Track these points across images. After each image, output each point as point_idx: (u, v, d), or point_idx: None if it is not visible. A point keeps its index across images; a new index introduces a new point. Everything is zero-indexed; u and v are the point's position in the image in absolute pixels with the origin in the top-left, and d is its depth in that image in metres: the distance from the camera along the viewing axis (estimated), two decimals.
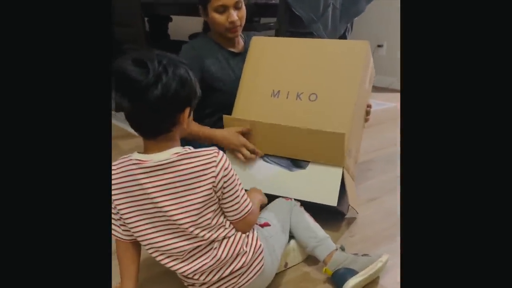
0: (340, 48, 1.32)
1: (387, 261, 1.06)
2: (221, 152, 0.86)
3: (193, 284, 0.94)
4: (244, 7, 1.39)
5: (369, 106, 1.43)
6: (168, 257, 0.89)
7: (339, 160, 1.20)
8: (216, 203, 0.87)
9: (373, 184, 1.66)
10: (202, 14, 1.42)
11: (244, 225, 0.93)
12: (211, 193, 0.85)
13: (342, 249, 1.07)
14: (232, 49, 1.47)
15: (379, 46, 3.48)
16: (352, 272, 1.01)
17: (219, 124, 1.37)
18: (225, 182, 0.85)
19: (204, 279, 0.91)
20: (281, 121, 1.26)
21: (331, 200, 1.21)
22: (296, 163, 1.27)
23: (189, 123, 0.88)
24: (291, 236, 1.13)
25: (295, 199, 1.18)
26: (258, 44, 1.41)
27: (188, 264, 0.89)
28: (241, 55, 1.47)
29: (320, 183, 1.22)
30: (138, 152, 0.86)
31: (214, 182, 0.84)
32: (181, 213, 0.84)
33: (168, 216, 0.85)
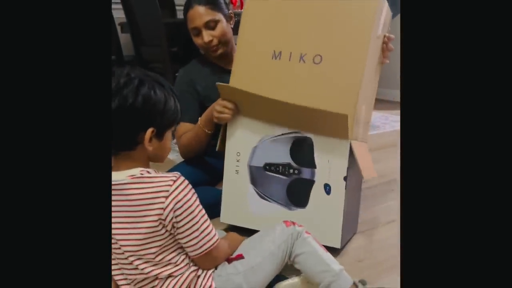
0: (347, 2, 1.15)
1: None
2: (179, 180, 0.80)
3: None
4: (221, 25, 1.36)
5: (388, 38, 1.22)
6: (125, 279, 0.86)
7: (344, 136, 1.11)
8: (164, 238, 0.81)
9: (394, 205, 1.56)
10: None
11: (206, 261, 0.86)
12: (157, 226, 0.79)
13: (364, 283, 0.96)
14: (226, 67, 1.44)
15: None
16: None
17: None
18: (177, 216, 0.78)
19: None
20: (284, 86, 1.16)
21: (335, 241, 1.15)
22: (296, 202, 1.20)
23: (160, 147, 0.84)
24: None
25: (299, 225, 1.00)
26: (254, 5, 1.24)
27: None
28: None
29: (321, 223, 1.15)
30: None
31: (161, 214, 0.78)
32: (125, 239, 0.80)
33: (116, 239, 0.81)
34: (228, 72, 1.41)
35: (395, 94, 3.42)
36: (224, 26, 1.37)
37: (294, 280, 0.99)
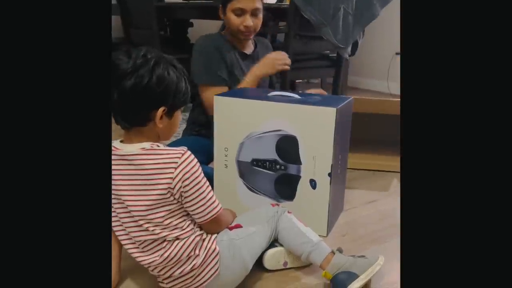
0: None
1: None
2: (187, 154, 0.86)
3: (158, 276, 0.95)
4: (261, 16, 1.44)
5: None
6: (132, 243, 0.92)
7: None
8: (171, 204, 0.87)
9: (375, 187, 1.65)
10: (220, 13, 1.48)
11: (212, 226, 0.94)
12: (166, 193, 0.85)
13: (340, 251, 1.05)
14: (243, 51, 1.52)
15: (397, 54, 3.45)
16: (353, 276, 0.97)
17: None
18: (185, 186, 0.85)
19: (158, 272, 0.93)
20: None
21: (321, 230, 1.23)
22: (283, 195, 1.26)
23: (170, 125, 0.90)
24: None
25: (283, 206, 1.13)
26: None
27: (144, 256, 0.91)
28: (251, 57, 1.53)
29: (308, 214, 1.21)
30: (120, 140, 0.90)
31: (170, 183, 0.84)
32: (135, 205, 0.87)
33: (126, 204, 0.88)
34: (245, 55, 1.51)
35: (370, 83, 3.52)
36: (261, 17, 1.44)
37: (279, 248, 1.09)
